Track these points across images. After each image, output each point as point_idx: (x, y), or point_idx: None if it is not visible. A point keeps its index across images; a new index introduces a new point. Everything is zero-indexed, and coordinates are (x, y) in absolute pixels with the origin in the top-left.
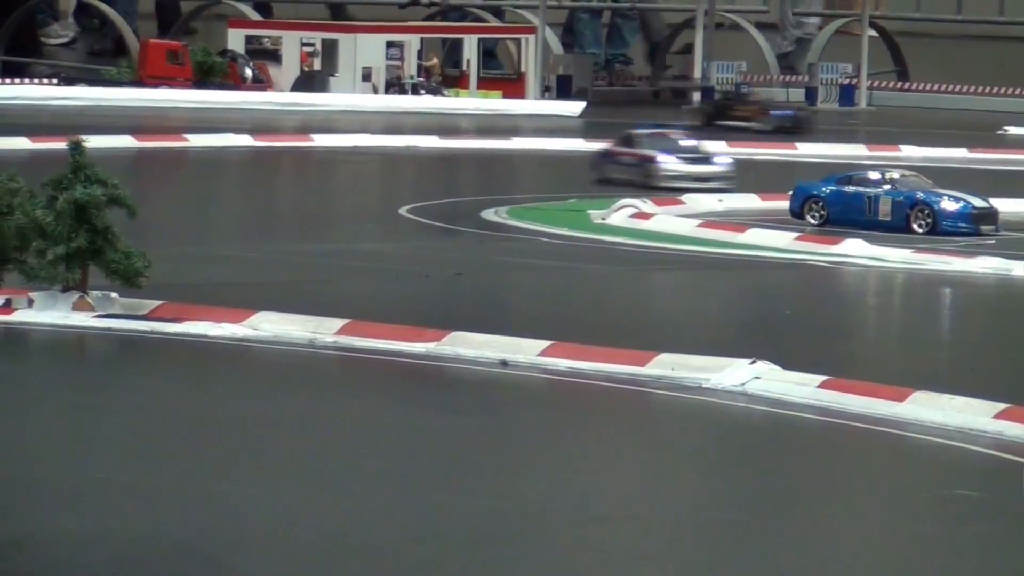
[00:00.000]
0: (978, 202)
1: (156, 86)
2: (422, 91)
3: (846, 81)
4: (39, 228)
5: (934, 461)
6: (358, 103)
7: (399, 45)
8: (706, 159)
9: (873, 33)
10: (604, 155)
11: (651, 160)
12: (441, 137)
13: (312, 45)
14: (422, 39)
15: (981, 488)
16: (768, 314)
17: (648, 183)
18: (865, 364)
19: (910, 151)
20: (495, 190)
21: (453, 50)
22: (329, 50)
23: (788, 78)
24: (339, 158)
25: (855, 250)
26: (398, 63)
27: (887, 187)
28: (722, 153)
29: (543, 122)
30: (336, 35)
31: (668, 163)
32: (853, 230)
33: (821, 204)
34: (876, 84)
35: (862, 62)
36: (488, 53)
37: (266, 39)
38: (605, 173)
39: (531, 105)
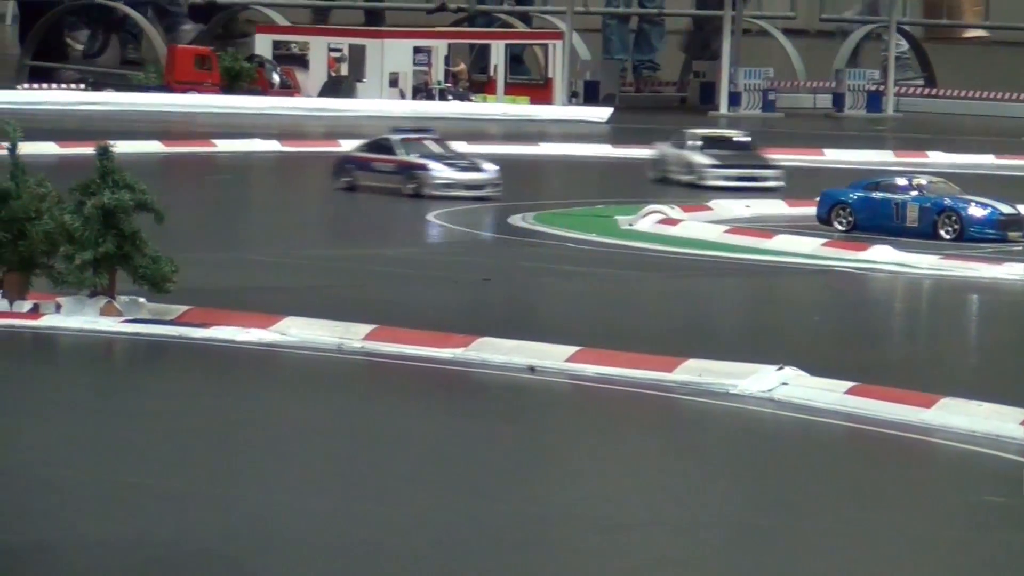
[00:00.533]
0: (1005, 208)
1: (184, 91)
2: (449, 96)
3: (873, 87)
4: (67, 233)
5: (962, 467)
6: (385, 108)
7: (426, 50)
8: (475, 166)
9: (902, 42)
10: (351, 161)
11: (422, 168)
12: (468, 143)
13: (339, 50)
14: (449, 44)
15: (1009, 494)
16: (795, 320)
17: (418, 192)
18: (893, 370)
19: (937, 157)
20: (522, 196)
21: (480, 56)
22: (357, 55)
23: (815, 84)
24: None
25: (882, 256)
26: (425, 68)
27: (914, 193)
28: (486, 159)
29: (570, 128)
30: (364, 40)
31: (441, 171)
32: (880, 236)
33: (848, 210)
34: (903, 90)
35: (889, 68)
36: (515, 59)
37: (293, 44)
38: (356, 180)
39: (558, 111)
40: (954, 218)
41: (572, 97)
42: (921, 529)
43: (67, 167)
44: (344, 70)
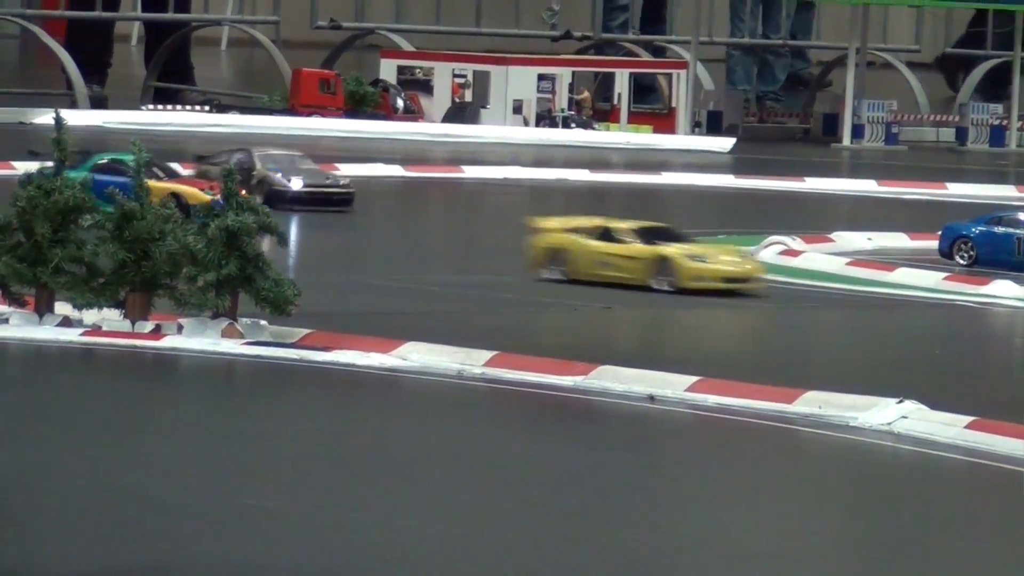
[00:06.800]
0: None
1: (308, 115)
2: (573, 124)
3: (997, 122)
4: (190, 254)
5: None
6: (509, 135)
7: (551, 78)
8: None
9: None
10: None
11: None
12: (591, 171)
13: (464, 76)
14: (574, 72)
15: None
16: (916, 354)
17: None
18: (1013, 405)
19: None
20: None
21: (604, 84)
22: (481, 82)
23: (938, 117)
24: (489, 190)
25: (1004, 291)
26: (549, 96)
27: None
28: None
29: (693, 157)
30: (488, 67)
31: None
32: (1002, 271)
33: (970, 244)
34: None
35: (1013, 103)
36: (647, 89)
37: (418, 70)
38: None
39: (681, 140)
40: None
41: (695, 127)
42: None
43: None
44: (468, 96)
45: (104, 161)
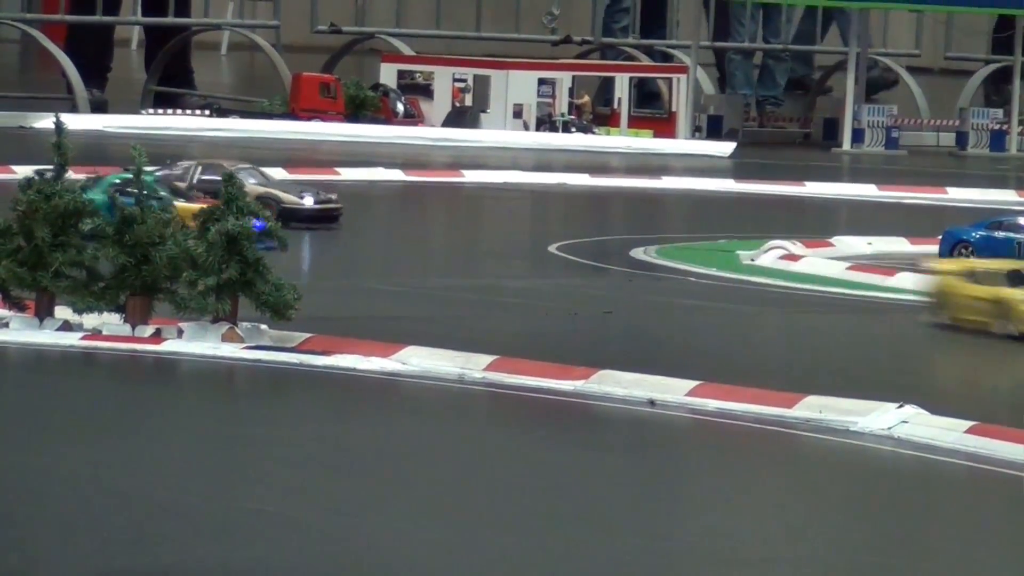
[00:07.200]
0: None
1: (308, 119)
2: (573, 128)
3: (997, 126)
4: (190, 258)
5: None
6: (509, 139)
7: (551, 82)
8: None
9: None
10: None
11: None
12: (591, 175)
13: (464, 81)
14: (574, 77)
15: None
16: (916, 358)
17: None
18: (1014, 410)
19: None
20: (644, 229)
21: (605, 88)
22: (481, 86)
23: (939, 122)
24: (489, 194)
25: None
26: (549, 100)
27: None
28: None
29: (693, 162)
30: (488, 71)
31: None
32: None
33: (970, 249)
34: None
35: (1013, 107)
36: (652, 95)
37: (418, 74)
38: None
39: (681, 145)
40: None
41: (695, 131)
42: None
43: None
44: (468, 100)
45: (119, 181)
